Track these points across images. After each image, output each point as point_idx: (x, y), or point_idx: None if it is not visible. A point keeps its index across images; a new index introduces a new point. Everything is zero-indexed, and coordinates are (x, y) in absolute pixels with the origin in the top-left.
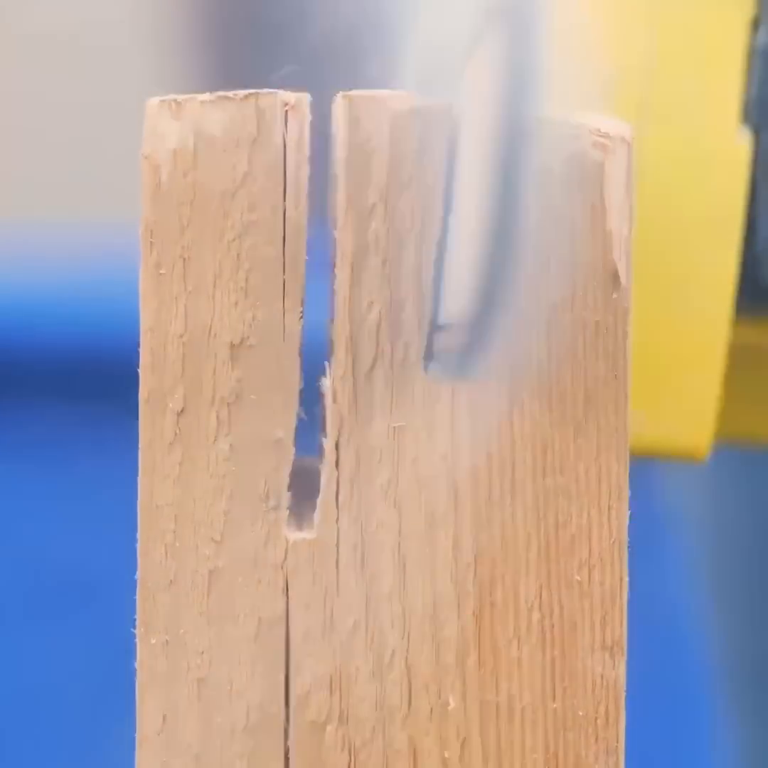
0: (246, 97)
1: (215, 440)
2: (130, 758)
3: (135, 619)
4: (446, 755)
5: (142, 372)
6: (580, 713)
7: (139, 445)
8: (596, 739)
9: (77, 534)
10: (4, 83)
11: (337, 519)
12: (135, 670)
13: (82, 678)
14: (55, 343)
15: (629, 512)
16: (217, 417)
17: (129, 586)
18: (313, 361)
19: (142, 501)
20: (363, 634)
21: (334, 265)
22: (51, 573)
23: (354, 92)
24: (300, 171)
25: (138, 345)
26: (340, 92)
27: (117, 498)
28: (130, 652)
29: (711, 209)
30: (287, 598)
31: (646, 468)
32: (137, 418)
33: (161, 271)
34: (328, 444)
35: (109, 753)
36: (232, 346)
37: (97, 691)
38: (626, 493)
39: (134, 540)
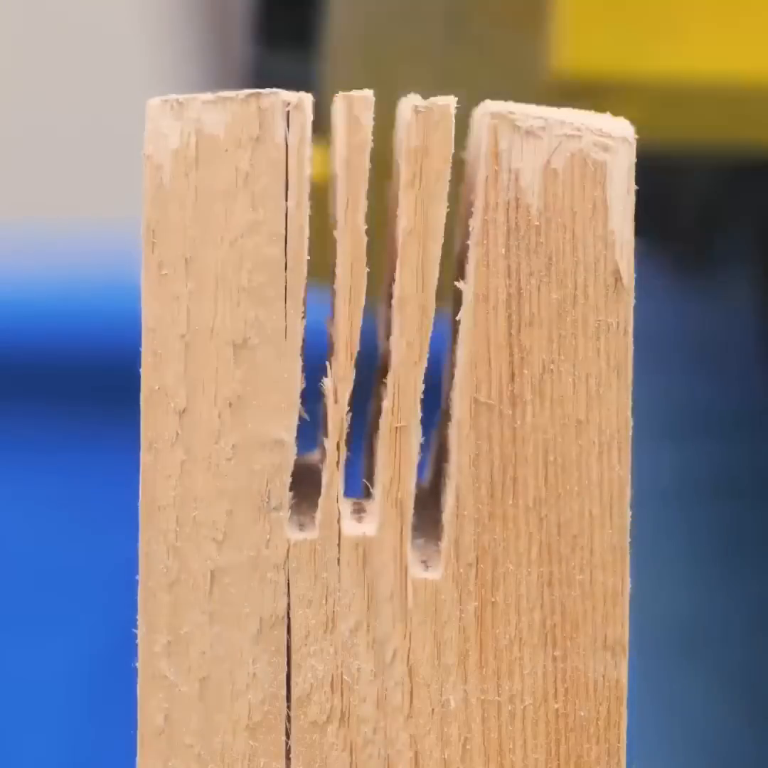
0: (248, 96)
1: (217, 440)
2: (130, 759)
3: (136, 619)
4: (447, 756)
5: (144, 372)
6: (582, 714)
7: (141, 445)
8: (598, 740)
9: (78, 534)
10: (4, 83)
11: (339, 519)
12: (136, 669)
13: (82, 678)
14: (57, 343)
15: (630, 511)
16: (219, 417)
17: (130, 586)
18: (315, 361)
19: (144, 501)
20: (364, 634)
21: (334, 265)
22: (51, 573)
23: (353, 92)
24: (302, 171)
25: (139, 345)
26: (339, 92)
27: (118, 498)
28: (131, 651)
29: None
30: (289, 597)
31: None
32: (139, 418)
33: (163, 271)
34: (329, 444)
35: (109, 753)
36: (234, 345)
37: (96, 691)
38: (628, 492)
39: (136, 540)
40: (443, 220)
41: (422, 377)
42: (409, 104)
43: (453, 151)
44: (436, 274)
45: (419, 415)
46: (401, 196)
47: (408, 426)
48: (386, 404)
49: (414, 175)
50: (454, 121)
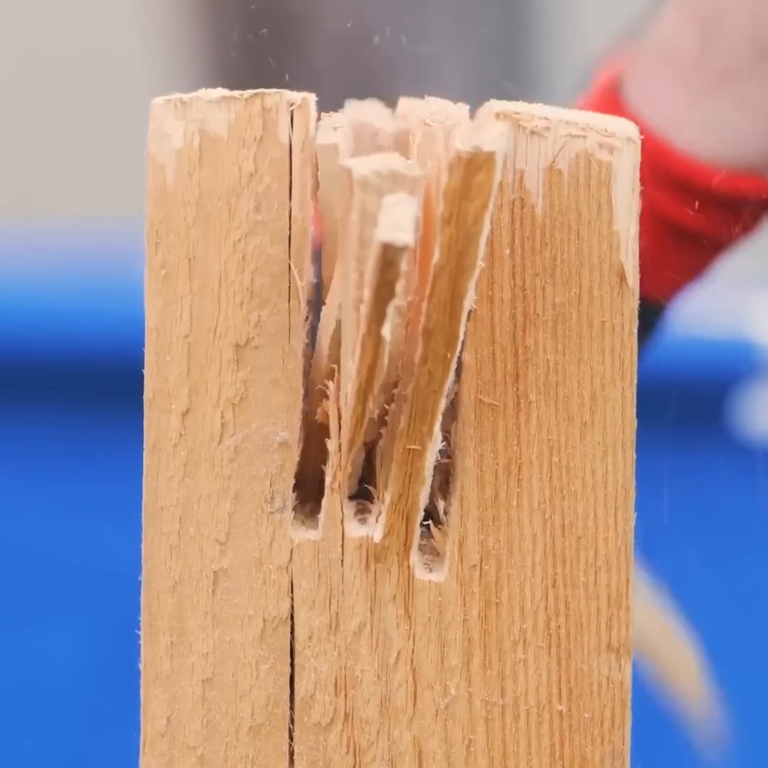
0: (252, 96)
1: (220, 441)
2: (132, 761)
3: (139, 620)
4: (451, 757)
5: (147, 372)
6: (586, 715)
7: (144, 446)
8: (602, 742)
9: (81, 535)
10: (5, 83)
11: (343, 520)
12: (139, 671)
13: (82, 679)
14: (61, 344)
15: (635, 514)
16: (222, 418)
17: (134, 586)
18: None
19: (147, 502)
20: (368, 635)
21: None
22: (53, 574)
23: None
24: (305, 171)
25: (142, 345)
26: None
27: (121, 499)
28: (133, 653)
29: None
30: (292, 598)
31: None
32: (141, 419)
33: (166, 272)
34: (332, 445)
35: (112, 755)
36: (237, 346)
37: (97, 691)
38: (633, 494)
39: (139, 541)
40: (477, 260)
41: (440, 405)
42: (452, 145)
43: (496, 193)
44: (466, 310)
45: (434, 438)
46: (438, 231)
47: (422, 449)
48: (401, 426)
49: (451, 215)
50: (500, 166)
